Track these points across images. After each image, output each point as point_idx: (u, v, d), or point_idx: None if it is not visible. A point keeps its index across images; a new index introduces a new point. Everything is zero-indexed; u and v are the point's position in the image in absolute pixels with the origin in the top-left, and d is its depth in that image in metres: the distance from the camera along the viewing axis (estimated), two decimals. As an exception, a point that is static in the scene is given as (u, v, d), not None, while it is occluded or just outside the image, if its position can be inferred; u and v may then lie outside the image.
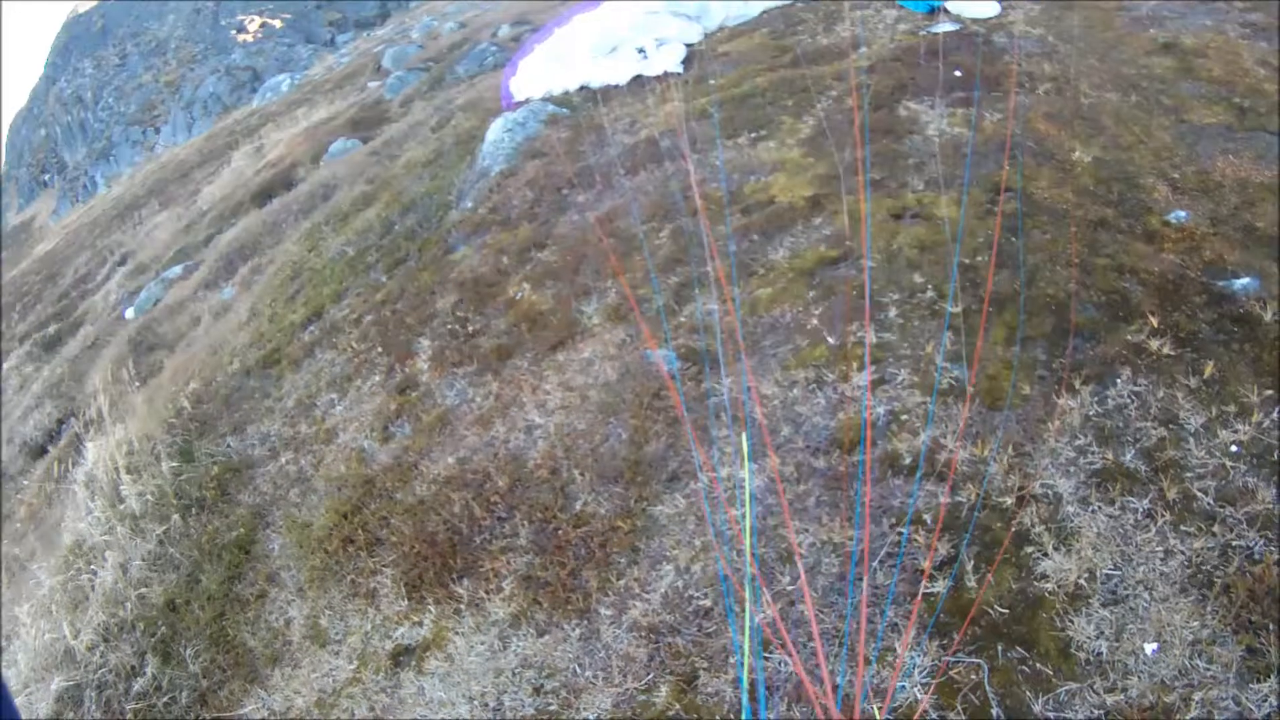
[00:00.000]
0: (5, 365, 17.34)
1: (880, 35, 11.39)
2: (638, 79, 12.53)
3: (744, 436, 5.39)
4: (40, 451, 12.24)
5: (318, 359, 8.88)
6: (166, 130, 55.84)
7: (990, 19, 11.18)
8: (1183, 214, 6.66)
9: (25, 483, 11.35)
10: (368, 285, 9.87)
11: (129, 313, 15.46)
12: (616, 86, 12.56)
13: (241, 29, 68.59)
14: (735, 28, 13.78)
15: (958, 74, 9.30)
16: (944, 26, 11.10)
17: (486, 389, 7.04)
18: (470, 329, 7.85)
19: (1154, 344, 5.45)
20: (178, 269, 16.04)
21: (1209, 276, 5.98)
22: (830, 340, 6.08)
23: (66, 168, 68.58)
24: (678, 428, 5.82)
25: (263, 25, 69.06)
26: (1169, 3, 10.91)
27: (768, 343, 6.28)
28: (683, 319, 6.82)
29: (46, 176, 70.66)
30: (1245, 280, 5.88)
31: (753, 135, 9.40)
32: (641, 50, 13.20)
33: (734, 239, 7.40)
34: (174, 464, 8.40)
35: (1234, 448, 4.80)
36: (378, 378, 7.95)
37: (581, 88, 12.96)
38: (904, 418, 5.39)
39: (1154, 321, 5.60)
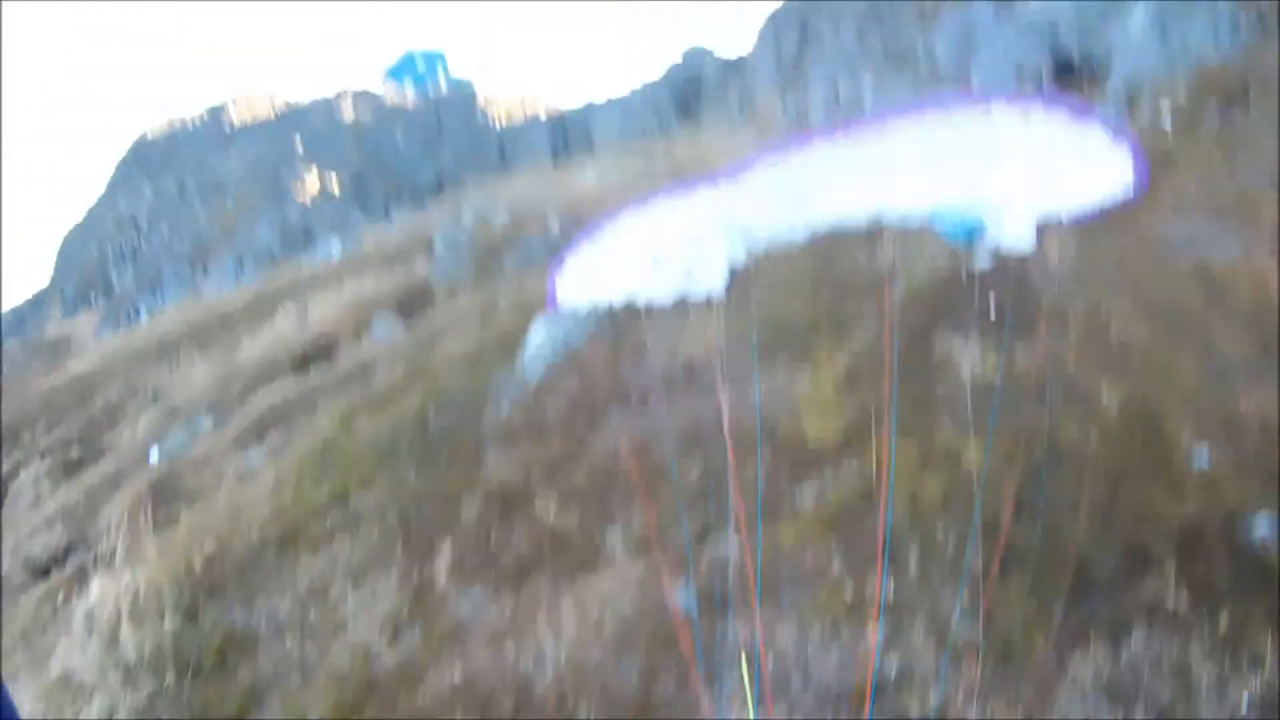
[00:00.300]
0: (23, 475, 17.61)
1: (919, 267, 11.70)
2: (680, 297, 12.94)
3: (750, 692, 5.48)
4: (44, 573, 12.36)
5: (337, 546, 9.10)
6: (215, 274, 57.49)
7: (1026, 251, 11.54)
8: (1205, 457, 6.79)
9: (23, 599, 11.43)
10: (396, 478, 10.16)
11: (154, 455, 15.74)
12: (660, 302, 12.95)
13: (301, 184, 71.46)
14: (780, 251, 14.25)
15: (992, 308, 9.40)
16: (981, 259, 11.46)
17: (502, 605, 7.23)
18: (493, 540, 8.10)
19: (1170, 597, 5.56)
20: (208, 421, 16.41)
21: (1228, 522, 6.08)
22: (849, 588, 6.21)
23: (113, 291, 70.07)
24: (689, 669, 5.92)
25: (321, 186, 71.99)
26: (1201, 228, 11.15)
27: (787, 587, 6.42)
28: (705, 556, 6.94)
29: (92, 295, 72.24)
30: (1264, 525, 5.98)
31: (789, 367, 9.70)
32: (685, 267, 13.65)
33: (763, 478, 7.56)
34: (178, 621, 8.54)
35: (1245, 702, 4.85)
36: (394, 576, 8.15)
37: (626, 300, 13.38)
38: (916, 673, 5.48)
39: (1172, 574, 5.69)
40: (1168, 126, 16.46)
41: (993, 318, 9.24)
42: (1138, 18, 21.38)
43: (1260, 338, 8.32)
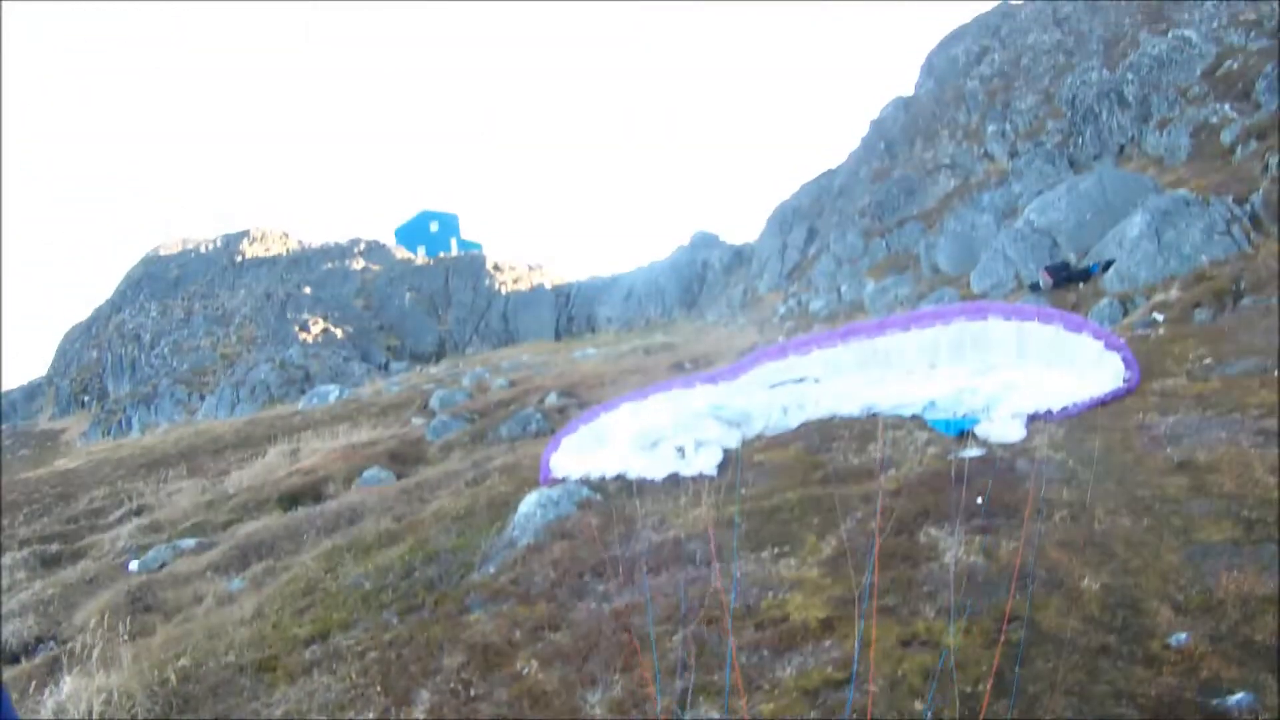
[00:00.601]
0: None
1: (910, 457, 12.09)
2: (673, 477, 13.27)
3: None
4: (12, 660, 12.50)
5: (314, 680, 9.27)
6: (211, 400, 58.30)
7: (1015, 443, 11.89)
8: (1183, 635, 6.83)
9: (-11, 681, 11.53)
10: (378, 623, 10.43)
11: (133, 565, 16.02)
12: (652, 481, 13.32)
13: (305, 328, 72.89)
14: (773, 437, 14.64)
15: (979, 500, 9.70)
16: (971, 451, 11.74)
17: (478, 754, 7.43)
18: (473, 692, 8.30)
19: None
20: (191, 542, 16.70)
21: (1205, 696, 6.14)
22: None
23: (107, 397, 71.07)
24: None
25: (325, 331, 73.38)
26: (1187, 418, 11.51)
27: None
28: None
29: (86, 398, 73.10)
30: (1240, 696, 6.06)
31: (776, 550, 9.87)
32: (680, 449, 14.03)
33: (744, 652, 7.70)
34: (150, 728, 8.73)
35: None
36: (371, 714, 8.33)
37: (618, 476, 13.77)
38: None
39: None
40: (1160, 325, 17.29)
41: (979, 504, 9.64)
42: (1135, 225, 22.79)
43: (1241, 521, 8.55)
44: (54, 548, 18.53)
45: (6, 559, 17.80)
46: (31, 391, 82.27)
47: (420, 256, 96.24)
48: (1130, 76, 35.73)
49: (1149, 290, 20.36)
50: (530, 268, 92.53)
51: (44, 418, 73.75)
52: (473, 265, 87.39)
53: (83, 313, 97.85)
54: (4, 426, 68.86)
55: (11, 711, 2.52)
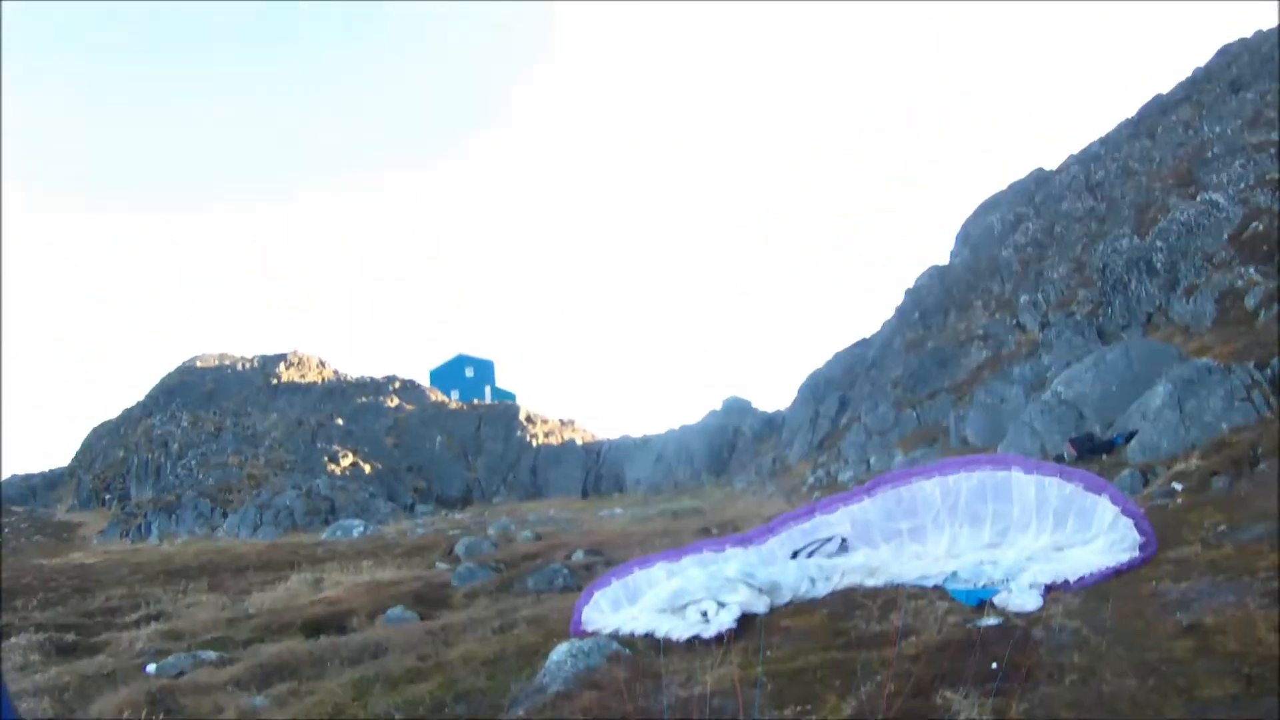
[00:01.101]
0: (14, 639, 17.81)
1: (929, 625, 11.91)
2: (700, 635, 13.14)
3: None
4: (24, 738, 12.36)
5: (342, 804, 9.18)
6: (234, 518, 58.35)
7: (1032, 612, 11.73)
8: None
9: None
10: (409, 754, 10.32)
11: (150, 668, 15.91)
12: (679, 637, 13.22)
13: (334, 459, 73.27)
14: (799, 604, 14.46)
15: (994, 666, 9.62)
16: (989, 620, 11.63)
17: None
18: (503, 833, 8.20)
19: None
20: (212, 654, 16.57)
21: None
22: None
23: (129, 499, 71.10)
24: None
25: (354, 465, 73.70)
26: (1199, 584, 11.29)
27: None
28: None
29: (107, 496, 73.27)
30: None
31: (799, 709, 9.65)
32: (704, 613, 14.03)
33: None
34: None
35: None
36: (399, 844, 8.21)
37: (647, 634, 13.68)
38: None
39: None
40: (1178, 494, 17.09)
41: (994, 669, 9.47)
42: (1158, 395, 23.01)
43: (1242, 678, 8.48)
44: (70, 637, 18.40)
45: (21, 639, 17.73)
46: (53, 480, 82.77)
47: (454, 401, 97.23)
48: (1159, 244, 36.04)
49: (1170, 461, 20.31)
50: (562, 422, 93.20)
51: (62, 508, 73.98)
52: (505, 415, 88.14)
53: (111, 410, 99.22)
54: (20, 510, 69.24)
55: (12, 712, 2.63)
